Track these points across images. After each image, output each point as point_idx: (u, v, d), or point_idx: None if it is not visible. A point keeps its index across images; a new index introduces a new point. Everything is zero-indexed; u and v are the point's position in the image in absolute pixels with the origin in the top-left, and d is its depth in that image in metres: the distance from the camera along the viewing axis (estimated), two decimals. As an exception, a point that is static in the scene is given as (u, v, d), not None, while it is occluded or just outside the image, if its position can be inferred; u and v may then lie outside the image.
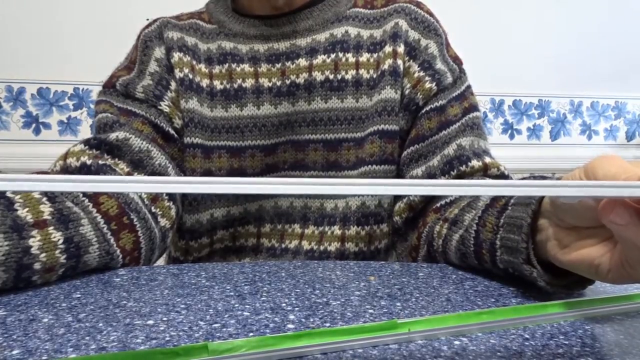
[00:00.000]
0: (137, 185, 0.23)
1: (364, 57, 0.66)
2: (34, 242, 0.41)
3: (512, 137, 1.69)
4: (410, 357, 0.29)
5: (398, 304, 0.38)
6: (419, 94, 0.65)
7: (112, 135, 0.58)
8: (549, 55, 1.65)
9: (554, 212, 0.36)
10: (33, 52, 1.35)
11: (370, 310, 0.36)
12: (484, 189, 0.26)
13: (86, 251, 0.45)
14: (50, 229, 0.42)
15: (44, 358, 0.28)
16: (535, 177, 0.47)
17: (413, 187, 0.25)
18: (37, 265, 0.40)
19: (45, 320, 0.34)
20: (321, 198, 0.66)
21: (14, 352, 0.29)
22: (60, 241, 0.42)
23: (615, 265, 0.32)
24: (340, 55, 0.66)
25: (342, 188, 0.24)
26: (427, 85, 0.65)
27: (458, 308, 0.37)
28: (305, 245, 0.66)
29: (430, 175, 0.63)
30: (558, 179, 0.40)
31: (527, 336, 0.33)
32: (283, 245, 0.66)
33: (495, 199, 0.47)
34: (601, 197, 0.29)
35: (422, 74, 0.65)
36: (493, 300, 0.40)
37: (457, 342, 0.31)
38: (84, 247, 0.44)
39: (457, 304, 0.38)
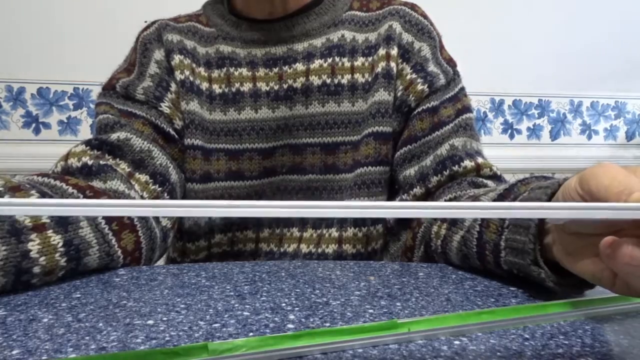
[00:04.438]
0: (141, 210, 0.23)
1: (359, 61, 0.66)
2: (33, 245, 0.40)
3: (512, 137, 1.69)
4: (410, 357, 0.29)
5: (398, 304, 0.38)
6: (411, 95, 0.65)
7: (113, 136, 0.58)
8: (549, 55, 1.65)
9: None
10: (33, 52, 1.35)
11: (370, 310, 0.36)
12: (471, 211, 0.25)
13: (86, 253, 0.45)
14: (50, 232, 0.42)
15: (44, 358, 0.28)
16: (536, 177, 0.47)
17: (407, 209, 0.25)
18: (36, 269, 0.40)
19: (45, 320, 0.34)
20: (320, 200, 0.67)
21: (14, 352, 0.29)
22: (60, 244, 0.42)
23: (619, 281, 0.32)
24: (337, 59, 0.66)
25: (341, 211, 0.24)
26: (419, 87, 0.65)
27: (458, 308, 0.37)
28: (304, 248, 0.66)
29: (423, 175, 0.63)
30: (562, 181, 0.40)
31: (527, 336, 0.33)
32: (282, 250, 0.67)
33: (497, 200, 0.46)
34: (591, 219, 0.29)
35: (414, 76, 0.65)
36: (493, 300, 0.40)
37: (457, 342, 0.31)
38: (83, 249, 0.44)
39: (457, 304, 0.38)
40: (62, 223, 0.44)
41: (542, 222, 0.39)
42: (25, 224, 0.41)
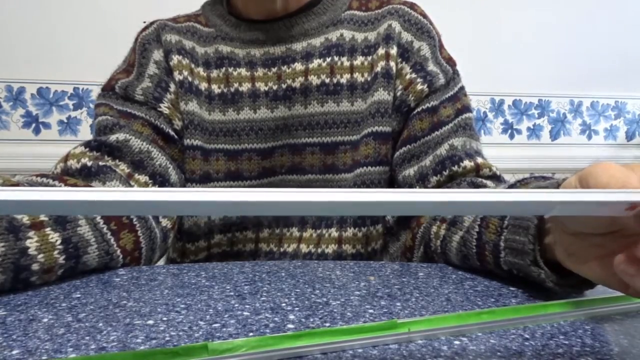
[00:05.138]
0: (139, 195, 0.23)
1: (359, 60, 0.66)
2: (31, 243, 0.41)
3: (512, 137, 1.69)
4: (410, 357, 0.29)
5: (398, 304, 0.38)
6: (410, 95, 0.65)
7: (112, 137, 0.58)
8: (549, 55, 1.65)
9: (558, 216, 0.36)
10: (33, 52, 1.35)
11: (370, 310, 0.36)
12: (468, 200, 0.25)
13: (85, 251, 0.45)
14: (48, 230, 0.42)
15: (43, 358, 0.28)
16: (535, 178, 0.47)
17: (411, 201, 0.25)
18: (35, 266, 0.40)
19: (45, 320, 0.34)
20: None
21: (14, 352, 0.29)
22: (58, 242, 0.42)
23: (623, 285, 0.32)
24: (336, 59, 0.66)
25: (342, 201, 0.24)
26: (419, 87, 0.65)
27: (458, 308, 0.37)
28: (304, 248, 0.66)
29: (422, 175, 0.63)
30: (561, 181, 0.40)
31: (527, 336, 0.33)
32: (281, 250, 0.67)
33: None
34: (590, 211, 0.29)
35: (414, 75, 0.65)
36: (493, 300, 0.40)
37: (457, 342, 0.31)
38: (82, 247, 0.44)
39: (457, 304, 0.38)
40: (60, 221, 0.44)
41: (541, 222, 0.39)
42: (23, 221, 0.41)
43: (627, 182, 0.28)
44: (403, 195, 0.24)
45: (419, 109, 0.65)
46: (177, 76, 0.65)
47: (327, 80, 0.65)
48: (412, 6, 0.69)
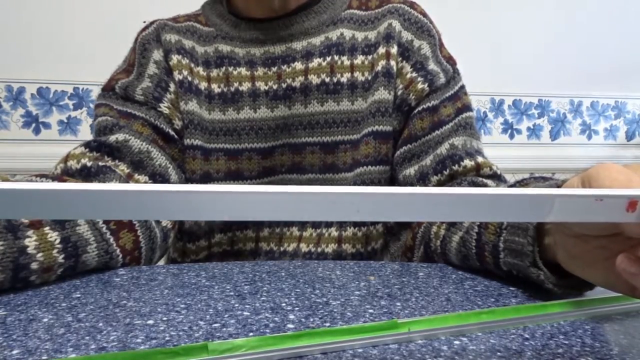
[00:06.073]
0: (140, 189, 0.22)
1: (359, 59, 0.66)
2: (30, 242, 0.41)
3: (512, 136, 1.69)
4: (410, 357, 0.29)
5: (398, 303, 0.38)
6: (411, 94, 0.65)
7: (112, 138, 0.58)
8: (549, 55, 1.65)
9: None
10: (33, 52, 1.35)
11: (370, 310, 0.36)
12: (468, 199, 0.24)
13: (84, 250, 0.45)
14: (46, 229, 0.42)
15: (44, 358, 0.28)
16: (535, 178, 0.47)
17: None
18: (34, 265, 0.40)
19: (45, 320, 0.34)
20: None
21: (14, 352, 0.29)
22: (57, 241, 0.42)
23: (628, 288, 0.31)
24: (336, 58, 0.66)
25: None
26: (420, 86, 0.65)
27: (458, 308, 0.37)
28: (304, 247, 0.66)
29: (423, 174, 0.63)
30: (561, 183, 0.40)
31: (527, 336, 0.33)
32: (281, 249, 0.67)
33: None
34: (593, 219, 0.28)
35: (414, 74, 0.65)
36: (493, 300, 0.40)
37: (457, 342, 0.31)
38: (81, 246, 0.44)
39: (457, 303, 0.38)
40: (59, 220, 0.44)
41: (541, 223, 0.39)
42: (22, 220, 0.41)
43: (629, 185, 0.28)
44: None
45: (419, 108, 0.65)
46: (177, 76, 0.65)
47: (327, 80, 0.65)
48: (412, 5, 0.69)
